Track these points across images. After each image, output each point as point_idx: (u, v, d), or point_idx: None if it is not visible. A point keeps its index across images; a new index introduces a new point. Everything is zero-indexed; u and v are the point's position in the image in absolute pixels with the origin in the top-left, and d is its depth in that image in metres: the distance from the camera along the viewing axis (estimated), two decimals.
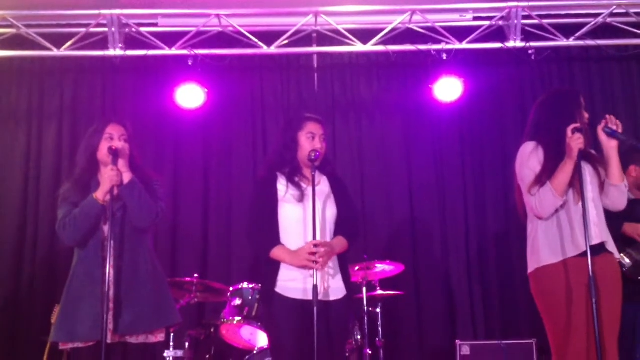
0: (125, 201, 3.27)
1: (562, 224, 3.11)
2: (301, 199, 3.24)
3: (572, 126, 3.07)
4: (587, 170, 3.16)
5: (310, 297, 3.08)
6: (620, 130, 3.18)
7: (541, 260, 3.13)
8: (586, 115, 3.27)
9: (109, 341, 3.10)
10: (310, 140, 3.35)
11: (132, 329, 3.19)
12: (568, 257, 3.06)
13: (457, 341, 5.05)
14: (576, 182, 3.06)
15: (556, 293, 3.06)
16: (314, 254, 3.10)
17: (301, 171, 3.37)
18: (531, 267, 3.20)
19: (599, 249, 3.06)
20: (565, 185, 3.06)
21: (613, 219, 3.28)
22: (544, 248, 3.13)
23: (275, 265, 3.23)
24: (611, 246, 3.15)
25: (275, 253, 3.21)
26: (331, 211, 3.31)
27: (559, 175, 3.06)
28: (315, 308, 3.00)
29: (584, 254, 2.97)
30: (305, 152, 3.32)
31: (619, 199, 3.16)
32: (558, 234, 3.11)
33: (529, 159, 3.20)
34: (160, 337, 3.31)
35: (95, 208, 3.22)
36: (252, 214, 3.38)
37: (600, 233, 3.09)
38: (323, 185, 3.39)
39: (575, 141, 3.02)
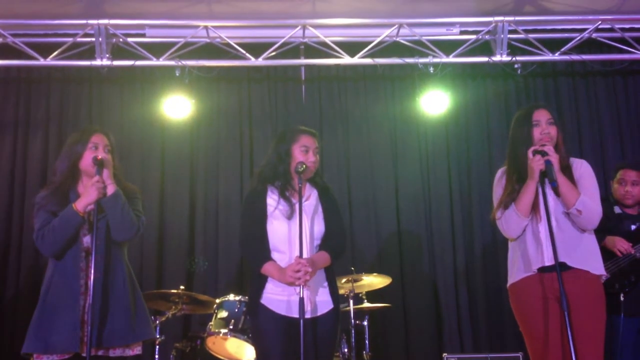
0: (107, 213, 3.21)
1: (526, 243, 3.18)
2: (290, 215, 3.23)
3: (532, 148, 3.14)
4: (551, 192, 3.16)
5: (294, 313, 3.09)
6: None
7: (511, 277, 3.26)
8: (547, 131, 3.20)
9: (84, 354, 3.05)
10: (303, 153, 3.35)
11: (108, 342, 3.14)
12: (529, 274, 3.14)
13: (444, 354, 5.04)
14: (537, 202, 3.12)
15: (526, 308, 3.17)
16: (299, 270, 3.09)
17: (293, 184, 3.36)
18: (508, 283, 3.31)
19: (561, 267, 3.04)
20: (528, 206, 3.13)
21: (596, 232, 3.30)
22: (513, 266, 3.25)
23: (262, 278, 3.23)
24: (581, 263, 3.12)
25: (266, 269, 3.21)
26: (318, 227, 3.31)
27: (521, 196, 3.14)
28: (302, 325, 2.99)
29: (545, 270, 3.07)
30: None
31: (580, 222, 3.12)
32: (521, 253, 3.20)
33: (497, 185, 3.33)
34: (137, 350, 3.26)
35: (74, 219, 3.16)
36: (243, 227, 3.36)
37: (560, 252, 3.05)
38: (312, 199, 3.38)
39: (536, 162, 3.08)
